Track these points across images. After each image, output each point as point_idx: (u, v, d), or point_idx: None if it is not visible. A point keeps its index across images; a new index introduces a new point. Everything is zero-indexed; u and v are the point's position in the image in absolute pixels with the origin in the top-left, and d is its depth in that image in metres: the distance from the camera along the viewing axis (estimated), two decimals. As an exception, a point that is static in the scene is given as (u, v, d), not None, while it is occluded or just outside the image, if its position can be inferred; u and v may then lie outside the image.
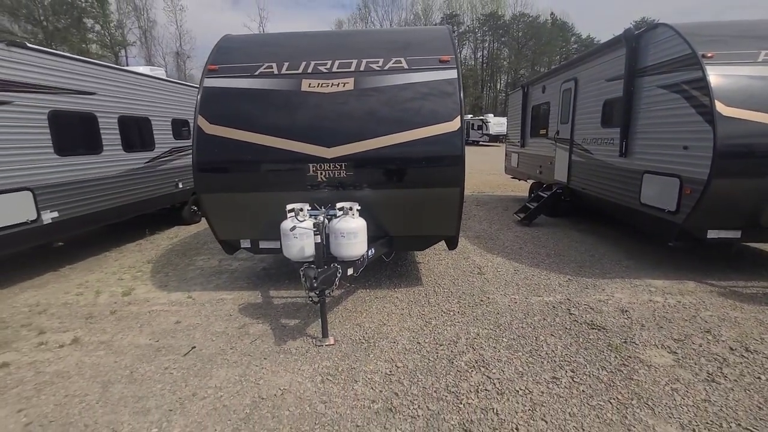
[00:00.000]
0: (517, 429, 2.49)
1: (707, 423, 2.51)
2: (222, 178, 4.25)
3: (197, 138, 4.14)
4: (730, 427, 2.48)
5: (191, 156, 4.20)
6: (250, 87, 4.28)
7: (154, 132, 7.94)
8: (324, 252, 3.69)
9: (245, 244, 4.72)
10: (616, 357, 3.28)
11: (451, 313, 4.21)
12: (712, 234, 4.76)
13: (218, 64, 4.40)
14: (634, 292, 4.63)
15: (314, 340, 3.71)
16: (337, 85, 4.21)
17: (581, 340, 3.58)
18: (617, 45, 6.09)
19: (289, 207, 3.74)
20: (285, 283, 5.22)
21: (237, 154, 4.16)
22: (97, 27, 46.01)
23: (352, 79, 4.23)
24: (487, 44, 64.85)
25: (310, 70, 4.31)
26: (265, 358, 3.42)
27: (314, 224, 3.48)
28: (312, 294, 3.45)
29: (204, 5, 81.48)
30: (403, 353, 3.44)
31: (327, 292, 3.52)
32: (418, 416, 2.64)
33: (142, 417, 2.73)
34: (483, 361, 3.28)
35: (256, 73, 4.33)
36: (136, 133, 7.43)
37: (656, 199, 5.17)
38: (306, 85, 4.23)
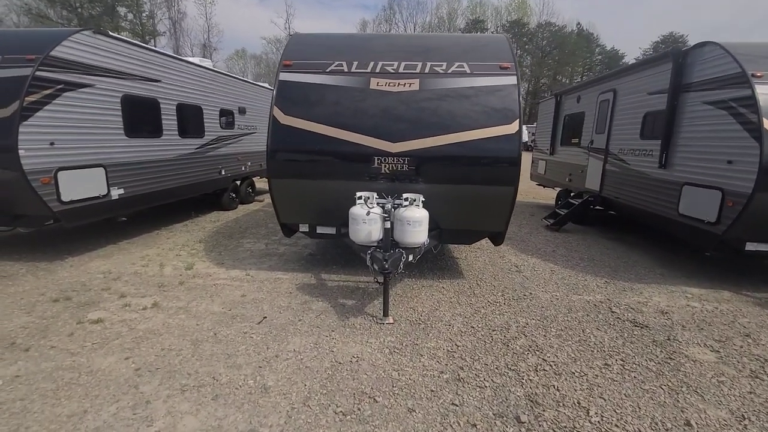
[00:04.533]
0: (578, 403, 2.75)
1: (754, 411, 2.74)
2: (292, 165, 4.59)
3: (272, 127, 4.48)
4: (775, 416, 2.71)
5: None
6: (321, 83, 4.61)
7: (205, 120, 8.36)
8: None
9: (303, 228, 5.06)
10: (661, 351, 3.52)
11: (498, 304, 4.48)
12: (750, 246, 4.94)
13: (292, 60, 4.74)
14: (671, 297, 4.84)
15: (374, 318, 4.01)
16: (404, 85, 4.51)
17: (626, 335, 3.82)
18: (663, 60, 6.29)
19: (359, 194, 4.05)
20: (334, 268, 5.54)
21: (307, 144, 4.49)
22: (130, 16, 47.26)
23: (418, 80, 4.53)
24: (510, 51, 64.58)
25: (378, 70, 4.62)
26: (332, 331, 3.74)
27: (385, 211, 3.79)
28: (382, 274, 3.74)
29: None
30: (460, 335, 3.73)
31: (392, 274, 3.81)
32: (486, 386, 2.92)
33: (236, 370, 3.06)
34: (536, 346, 3.55)
35: (328, 70, 4.66)
36: (189, 120, 7.85)
37: (696, 210, 5.37)
38: (374, 83, 4.54)
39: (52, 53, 4.89)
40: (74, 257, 5.71)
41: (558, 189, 11.11)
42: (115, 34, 5.94)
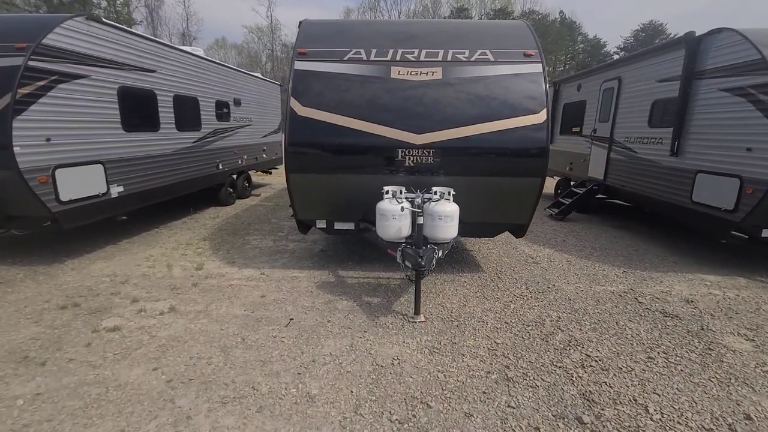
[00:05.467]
0: (635, 400, 2.70)
1: (806, 400, 2.74)
2: (311, 159, 4.39)
3: (290, 119, 4.26)
4: (826, 405, 2.71)
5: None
6: (340, 72, 4.39)
7: (201, 113, 8.01)
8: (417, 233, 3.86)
9: (321, 224, 4.88)
10: (699, 342, 3.50)
11: (525, 298, 4.41)
12: (766, 233, 4.99)
13: (307, 48, 4.50)
14: (691, 285, 4.86)
15: (405, 316, 3.89)
16: (426, 73, 4.34)
17: (660, 326, 3.80)
18: (674, 47, 6.25)
19: (386, 188, 3.89)
20: (350, 265, 5.38)
21: (328, 137, 4.29)
22: (104, 3, 45.14)
23: (440, 68, 4.36)
24: (495, 40, 64.39)
25: (398, 58, 4.43)
26: (365, 331, 3.60)
27: (417, 205, 3.64)
28: (416, 271, 3.60)
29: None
30: (496, 332, 3.64)
31: (424, 271, 3.69)
32: (537, 386, 2.84)
33: (275, 378, 2.90)
34: (575, 340, 3.49)
35: (345, 59, 4.44)
36: (186, 112, 7.50)
37: (711, 197, 5.39)
38: (395, 72, 4.35)
39: (45, 41, 4.52)
40: (74, 260, 5.40)
41: (557, 178, 11.14)
42: (109, 21, 5.56)
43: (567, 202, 8.64)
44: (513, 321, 3.85)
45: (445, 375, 2.97)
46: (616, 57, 50.56)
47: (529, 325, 3.76)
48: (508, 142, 4.22)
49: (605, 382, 2.89)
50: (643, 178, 6.94)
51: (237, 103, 9.64)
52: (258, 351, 3.25)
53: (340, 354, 3.23)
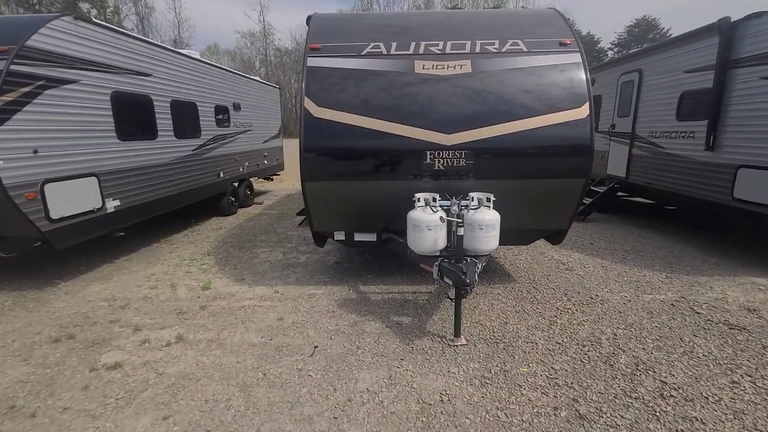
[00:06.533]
0: (739, 440, 2.28)
1: None
2: (330, 165, 3.96)
3: (305, 121, 3.83)
4: None
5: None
6: (357, 68, 3.97)
7: (200, 118, 7.57)
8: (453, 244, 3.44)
9: (339, 236, 4.44)
10: (781, 359, 3.09)
11: (570, 311, 3.99)
12: (821, 231, 4.61)
13: (320, 43, 4.08)
14: (745, 291, 4.46)
15: (442, 339, 3.46)
16: (454, 67, 3.92)
17: (730, 341, 3.39)
18: (705, 35, 5.87)
19: (418, 196, 3.47)
20: (370, 278, 4.95)
21: (347, 140, 3.86)
22: (94, 12, 44.60)
23: (469, 61, 3.95)
24: (488, 39, 64.10)
25: (421, 51, 4.02)
26: (402, 359, 3.17)
27: (457, 214, 3.21)
28: (461, 289, 3.17)
29: (201, -7, 79.63)
30: (549, 355, 3.21)
31: (469, 289, 3.26)
32: (618, 425, 2.41)
33: (307, 425, 2.46)
34: (643, 363, 3.07)
35: (363, 53, 4.02)
36: (185, 118, 7.05)
37: (757, 194, 5.00)
38: (420, 66, 3.94)
39: (29, 43, 4.07)
40: (67, 282, 4.93)
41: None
42: (99, 21, 5.11)
43: (587, 202, 8.25)
44: (565, 340, 3.43)
45: (506, 414, 2.54)
46: (610, 53, 50.59)
47: (584, 346, 3.34)
48: (548, 140, 3.81)
49: (695, 418, 2.46)
50: (674, 174, 6.55)
51: (237, 107, 9.20)
52: (283, 389, 2.81)
53: (379, 390, 2.79)
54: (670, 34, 45.85)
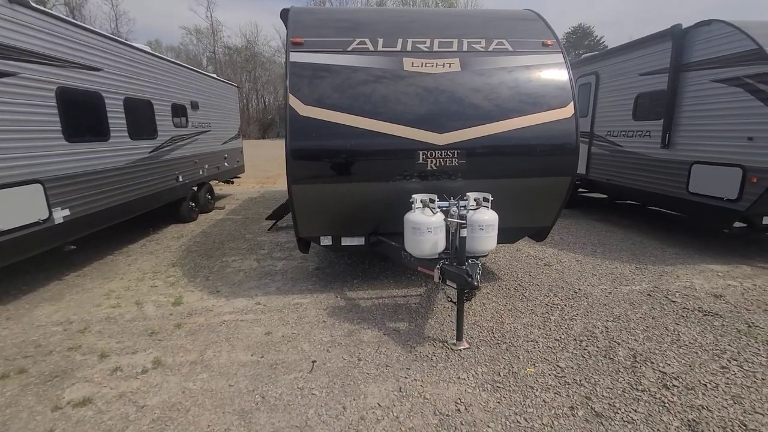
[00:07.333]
0: (744, 425, 2.39)
1: None
2: (318, 167, 3.73)
3: (291, 121, 3.58)
4: None
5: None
6: (345, 64, 3.79)
7: (157, 118, 6.97)
8: (452, 246, 3.37)
9: (325, 241, 4.23)
10: (757, 342, 3.33)
11: (559, 307, 4.07)
12: (767, 220, 5.08)
13: (303, 38, 3.84)
14: (707, 278, 4.80)
15: (444, 344, 3.38)
16: (443, 65, 3.86)
17: (708, 327, 3.60)
18: (659, 40, 6.29)
19: (415, 197, 3.35)
20: (355, 283, 4.77)
21: (337, 140, 3.67)
22: None
23: (458, 59, 3.90)
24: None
25: (409, 48, 3.91)
26: (408, 368, 3.04)
27: (459, 215, 3.13)
28: (466, 291, 3.10)
29: (138, -16, 74.30)
30: (551, 353, 3.23)
31: (469, 291, 3.20)
32: (634, 420, 2.45)
33: (323, 451, 2.26)
34: (639, 354, 3.17)
35: (349, 49, 3.85)
36: (139, 118, 6.46)
37: (710, 188, 5.42)
38: (409, 64, 3.83)
39: (-46, 29, 3.48)
40: (6, 305, 4.30)
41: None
42: (40, 6, 4.50)
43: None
44: (562, 337, 3.47)
45: (525, 419, 2.49)
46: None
47: (582, 341, 3.40)
48: (537, 139, 3.86)
49: (701, 406, 2.56)
50: (632, 171, 6.97)
51: (194, 106, 8.60)
52: (287, 413, 2.58)
53: (392, 404, 2.64)
54: (604, 42, 49.57)
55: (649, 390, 2.73)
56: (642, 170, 6.72)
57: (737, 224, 5.26)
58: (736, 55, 5.05)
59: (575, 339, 3.43)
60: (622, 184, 7.28)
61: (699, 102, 5.65)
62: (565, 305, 4.11)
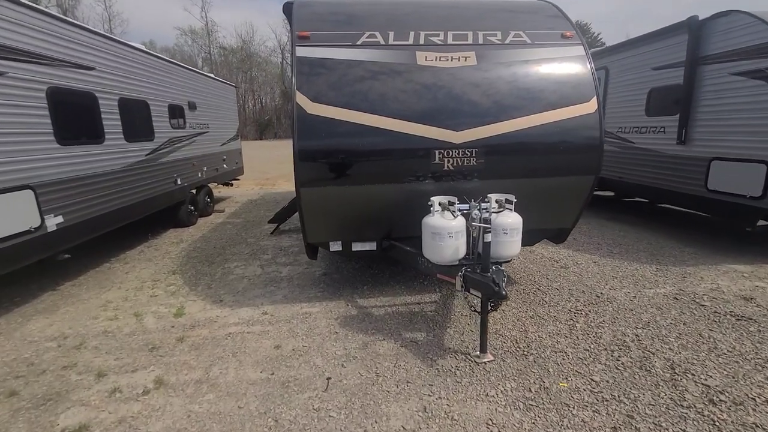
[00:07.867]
0: (806, 446, 2.18)
1: None
2: (328, 169, 3.50)
3: (298, 119, 3.35)
4: None
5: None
6: (354, 58, 3.56)
7: (153, 119, 6.72)
8: (473, 252, 3.15)
9: (335, 247, 4.00)
10: (799, 349, 3.13)
11: (583, 313, 3.86)
12: (791, 218, 4.89)
13: (309, 31, 3.61)
14: (732, 279, 4.60)
15: (467, 356, 3.16)
16: (458, 59, 3.63)
17: (744, 333, 3.40)
18: (674, 33, 6.09)
19: (434, 199, 3.13)
20: (365, 290, 4.55)
21: (348, 139, 3.44)
22: (5, 2, 39.62)
23: (473, 52, 3.68)
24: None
25: (422, 41, 3.69)
26: (431, 385, 2.82)
27: (483, 219, 2.91)
28: (494, 301, 2.89)
29: (132, -15, 73.79)
30: (582, 364, 3.02)
31: (495, 301, 2.98)
32: (685, 442, 2.24)
33: (346, 485, 2.03)
34: (677, 365, 2.96)
35: (359, 43, 3.62)
36: (135, 119, 6.21)
37: (732, 185, 5.22)
38: (422, 58, 3.60)
39: (-65, 24, 3.23)
40: (0, 318, 4.06)
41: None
42: (28, 2, 4.25)
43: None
44: (591, 347, 3.26)
45: (565, 441, 2.28)
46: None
47: (613, 351, 3.19)
48: (559, 135, 3.65)
49: (754, 424, 2.35)
50: (645, 168, 6.77)
51: (192, 107, 8.35)
52: (304, 438, 2.35)
53: (417, 427, 2.42)
54: (601, 39, 49.34)
55: (695, 406, 2.52)
56: (656, 167, 6.52)
57: (761, 222, 5.06)
58: (758, 47, 4.85)
59: (606, 349, 3.22)
60: (634, 182, 7.08)
61: (718, 96, 5.45)
62: (590, 311, 3.90)
